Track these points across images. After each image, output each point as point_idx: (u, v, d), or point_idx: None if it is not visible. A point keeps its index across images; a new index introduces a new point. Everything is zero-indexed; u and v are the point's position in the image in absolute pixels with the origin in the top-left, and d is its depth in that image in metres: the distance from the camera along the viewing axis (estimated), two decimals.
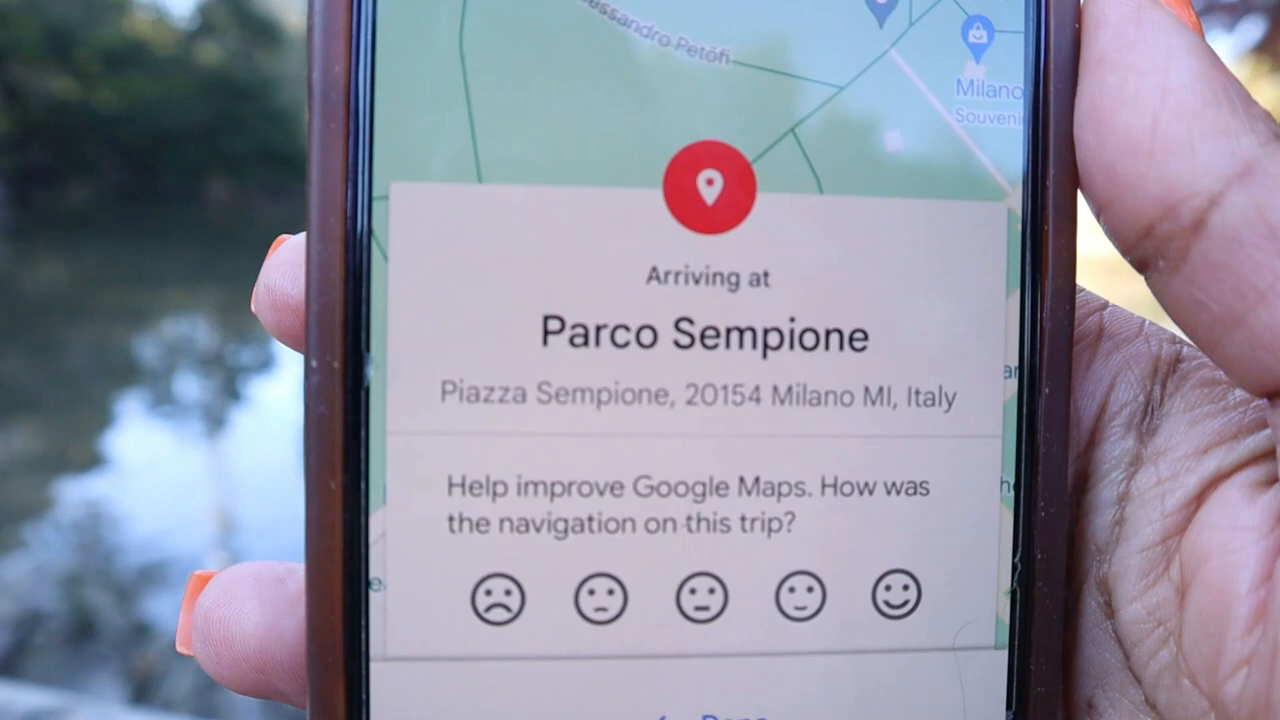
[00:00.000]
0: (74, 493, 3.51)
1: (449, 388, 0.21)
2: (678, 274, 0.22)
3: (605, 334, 0.22)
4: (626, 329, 0.22)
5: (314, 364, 0.21)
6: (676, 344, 0.22)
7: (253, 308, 0.25)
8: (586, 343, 0.22)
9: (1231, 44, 9.03)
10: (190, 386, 5.30)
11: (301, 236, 0.23)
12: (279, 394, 5.12)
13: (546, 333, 0.22)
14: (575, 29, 0.21)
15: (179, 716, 2.07)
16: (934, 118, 0.22)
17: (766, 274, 0.22)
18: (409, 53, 0.21)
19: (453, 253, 0.21)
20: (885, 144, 0.22)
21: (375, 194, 0.21)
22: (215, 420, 4.55)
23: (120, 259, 10.57)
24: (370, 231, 0.21)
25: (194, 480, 3.70)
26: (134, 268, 9.92)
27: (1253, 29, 8.70)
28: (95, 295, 8.15)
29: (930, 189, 0.23)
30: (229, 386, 5.30)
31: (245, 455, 4.03)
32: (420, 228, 0.21)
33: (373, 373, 0.21)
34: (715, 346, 0.22)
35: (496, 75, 0.21)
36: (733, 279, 0.22)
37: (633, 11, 0.21)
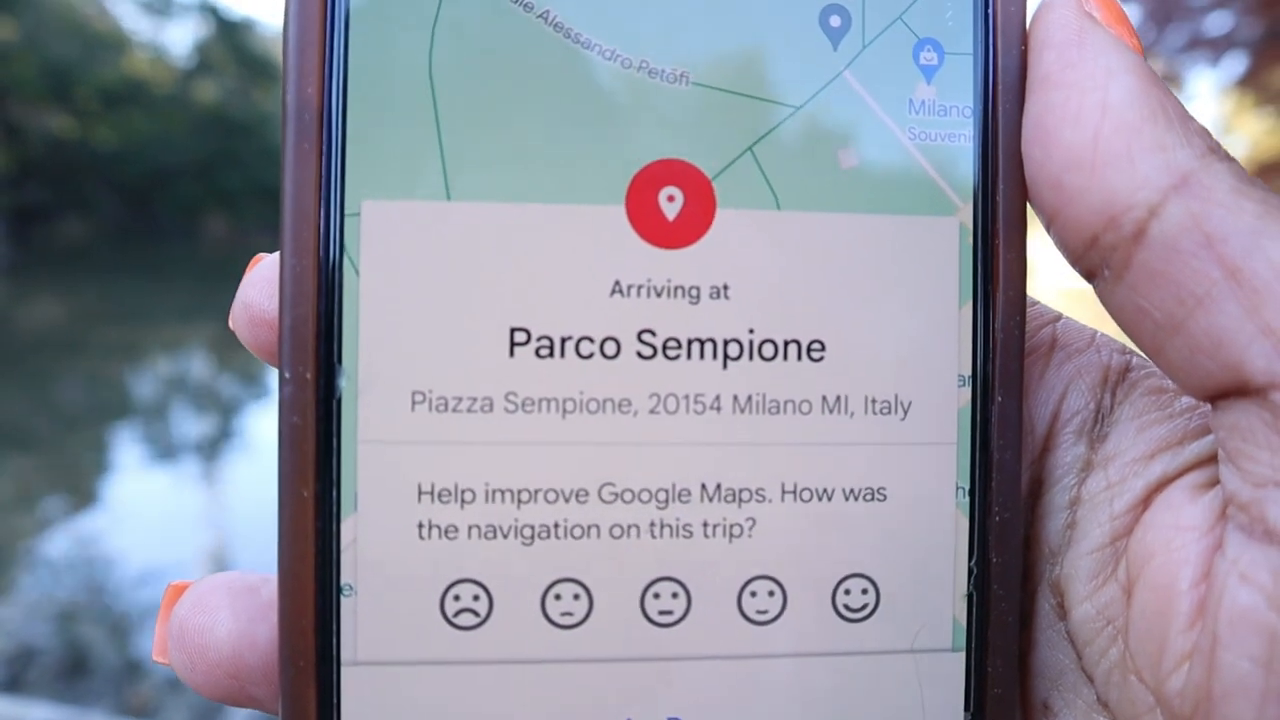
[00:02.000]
0: (68, 529, 3.49)
1: (418, 398, 0.22)
2: (640, 287, 0.23)
3: (570, 345, 0.23)
4: (590, 340, 0.23)
5: (287, 375, 0.22)
6: (639, 355, 0.23)
7: (230, 324, 0.26)
8: (552, 354, 0.22)
9: (1216, 78, 9.13)
10: (185, 423, 5.29)
11: (277, 255, 0.23)
12: (271, 430, 5.06)
13: (513, 344, 0.22)
14: (540, 52, 0.22)
15: None
16: (887, 136, 0.23)
17: (726, 287, 0.23)
18: (380, 75, 0.22)
19: (422, 268, 0.22)
20: (840, 161, 0.23)
21: (347, 211, 0.22)
22: (210, 456, 4.54)
23: (116, 295, 10.58)
24: (342, 247, 0.22)
25: (188, 516, 3.68)
26: (130, 304, 9.93)
27: (1236, 63, 8.80)
28: (91, 331, 8.15)
29: (884, 204, 0.23)
30: (224, 422, 5.28)
31: (240, 491, 4.01)
32: (391, 243, 0.22)
33: (344, 383, 0.22)
34: (677, 357, 0.23)
35: (464, 97, 0.22)
36: (693, 292, 0.23)
37: (596, 36, 0.22)
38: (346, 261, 0.22)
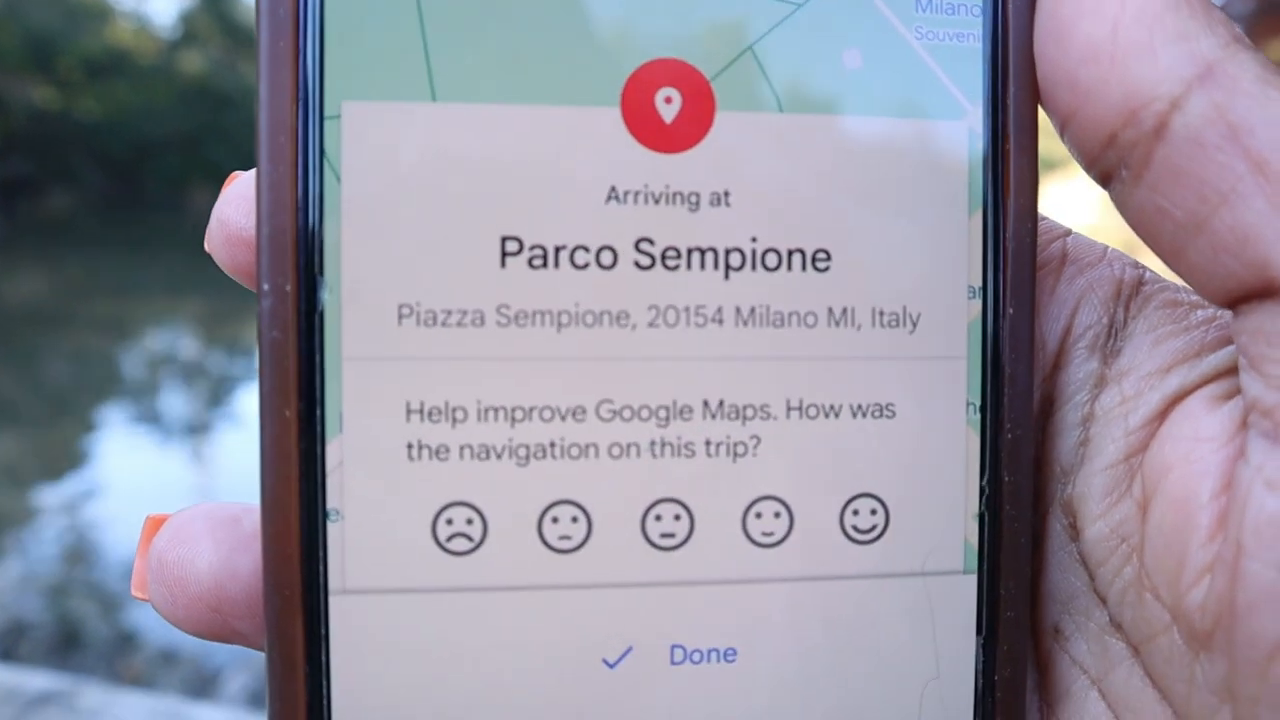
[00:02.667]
0: (57, 503, 3.48)
1: (405, 311, 0.21)
2: (637, 194, 0.22)
3: (564, 255, 0.21)
4: (586, 250, 0.22)
5: (266, 288, 0.21)
6: (637, 265, 0.22)
7: (206, 246, 0.25)
8: (545, 264, 0.21)
9: None
10: (173, 397, 5.27)
11: (255, 170, 0.22)
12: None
13: (504, 254, 0.21)
14: None
15: (174, 696, 2.06)
16: (893, 36, 0.22)
17: (727, 193, 0.22)
18: None
19: (407, 173, 0.21)
20: (844, 62, 0.22)
21: (326, 114, 0.21)
22: (199, 430, 4.53)
23: (102, 269, 10.50)
24: (322, 152, 0.21)
25: (178, 491, 3.67)
26: (116, 278, 9.87)
27: None
28: (77, 305, 8.10)
29: (891, 108, 0.22)
30: (212, 396, 5.27)
31: (229, 465, 4.00)
32: (373, 147, 0.21)
33: (327, 296, 0.21)
34: (676, 267, 0.22)
35: None
36: (693, 198, 0.22)
37: None
38: (327, 167, 0.21)
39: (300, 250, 0.21)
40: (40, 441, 4.26)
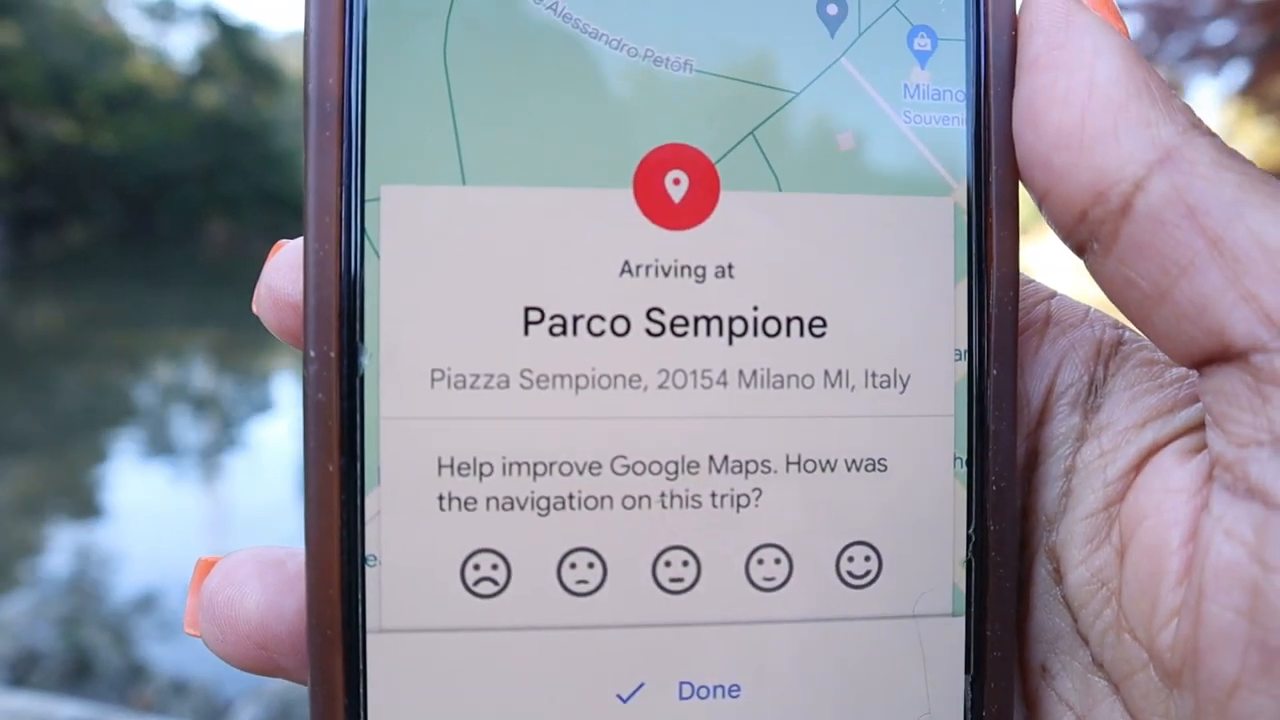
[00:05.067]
0: (70, 534, 3.49)
1: (437, 375, 0.23)
2: (648, 267, 0.24)
3: (582, 323, 0.23)
4: (602, 319, 0.23)
5: (312, 354, 0.23)
6: (648, 332, 0.24)
7: (254, 308, 0.27)
8: (565, 332, 0.23)
9: (1218, 88, 9.13)
10: (186, 428, 5.30)
11: (299, 240, 0.24)
12: (274, 435, 5.11)
13: (527, 323, 0.23)
14: (551, 42, 0.23)
15: None
16: (883, 120, 0.24)
17: (731, 266, 0.24)
18: (397, 65, 0.23)
19: (440, 249, 0.23)
20: (839, 144, 0.24)
21: (367, 196, 0.23)
22: (211, 461, 4.54)
23: (117, 300, 10.59)
24: (363, 231, 0.23)
25: (189, 520, 3.68)
26: (131, 309, 9.94)
27: (1238, 73, 8.80)
28: (92, 336, 8.16)
29: (882, 185, 0.24)
30: (224, 428, 5.29)
31: (241, 495, 4.01)
32: (409, 226, 0.23)
33: (366, 361, 0.23)
34: (684, 334, 0.24)
35: (478, 85, 0.23)
36: (699, 271, 0.24)
37: (604, 25, 0.23)
38: (367, 244, 0.23)
39: (343, 321, 0.23)
40: (53, 471, 4.28)
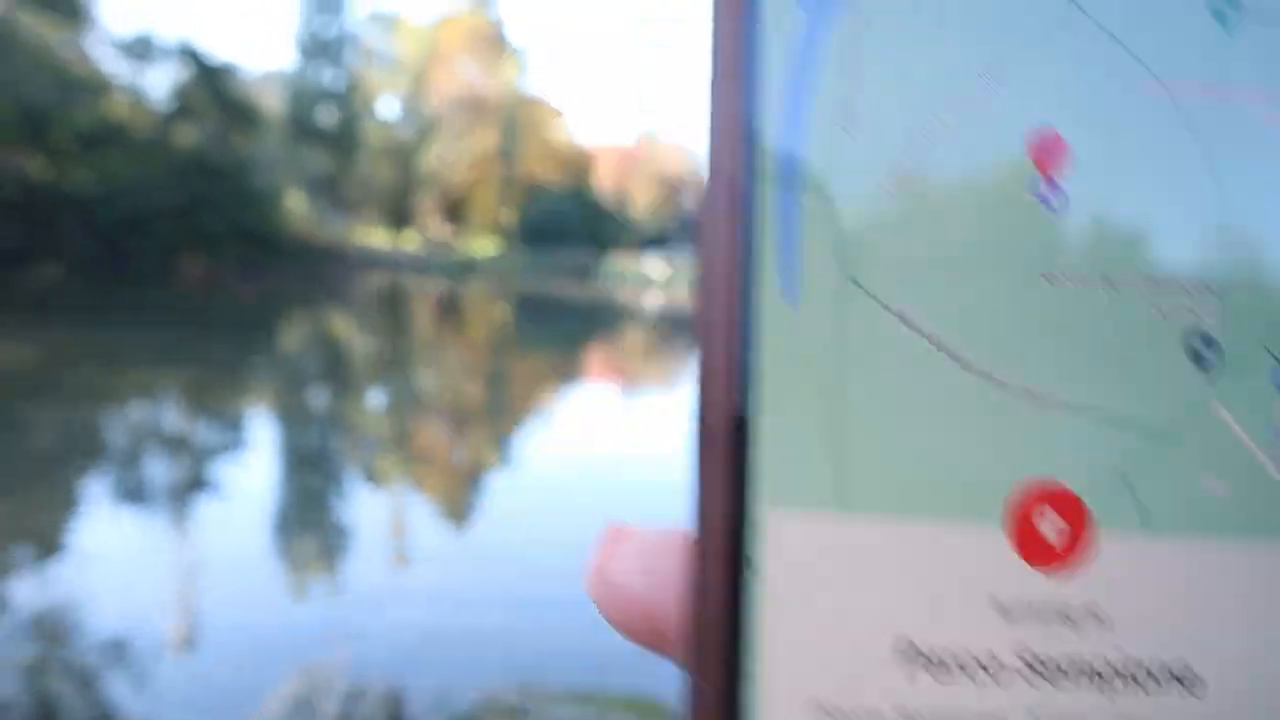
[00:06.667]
0: (35, 576, 3.44)
1: (814, 707, 0.23)
2: (1020, 608, 0.23)
3: (953, 662, 0.23)
4: (972, 658, 0.23)
5: (696, 682, 0.23)
6: (1018, 674, 0.23)
7: (590, 593, 0.27)
8: (936, 669, 0.23)
9: None
10: (156, 468, 5.24)
11: (641, 534, 0.26)
12: (244, 478, 5.07)
13: (901, 659, 0.23)
14: (927, 371, 0.24)
15: None
16: (1254, 463, 0.24)
17: (1106, 613, 0.23)
18: (784, 396, 0.24)
19: (818, 577, 0.23)
20: (1209, 488, 0.24)
21: (753, 519, 0.23)
22: (180, 504, 4.49)
23: (89, 339, 10.47)
24: (747, 555, 0.23)
25: (157, 565, 3.63)
26: (103, 348, 9.84)
27: None
28: (62, 375, 8.06)
29: (1256, 530, 0.24)
30: (195, 469, 5.23)
31: (210, 539, 3.97)
32: (790, 552, 0.23)
33: (747, 689, 0.23)
34: (1055, 679, 0.23)
35: (864, 411, 0.24)
36: (1073, 616, 0.23)
37: (972, 355, 0.24)
38: (750, 569, 0.23)
39: (728, 648, 0.23)
40: (20, 511, 4.22)
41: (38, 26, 22.35)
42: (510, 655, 3.07)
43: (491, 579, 3.75)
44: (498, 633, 3.22)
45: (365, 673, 2.85)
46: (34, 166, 20.96)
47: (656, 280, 47.44)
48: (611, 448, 6.66)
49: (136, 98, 24.72)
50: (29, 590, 3.35)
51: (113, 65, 25.13)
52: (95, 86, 23.27)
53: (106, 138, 21.73)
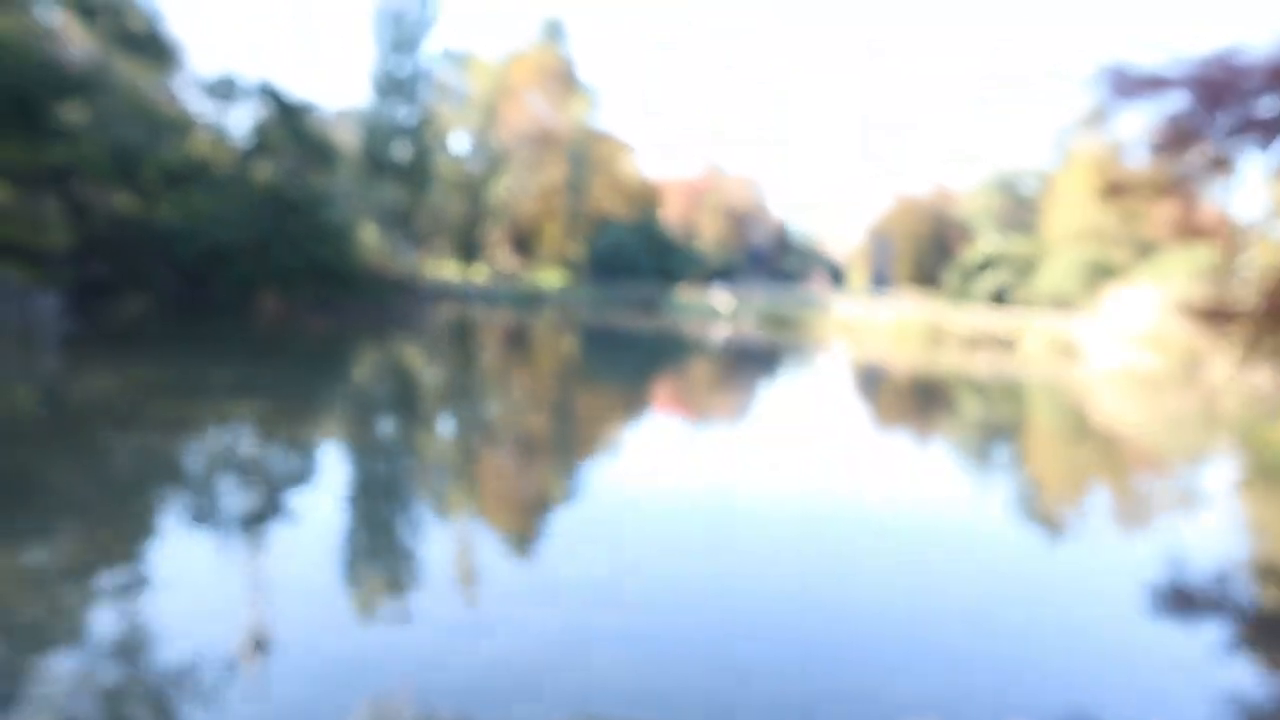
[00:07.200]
0: (115, 601, 3.53)
1: None
2: None
3: None
4: None
5: None
6: None
7: None
8: None
9: (1266, 162, 9.03)
10: (232, 496, 5.35)
11: None
12: (319, 505, 5.16)
13: None
14: None
15: None
16: None
17: None
18: None
19: None
20: None
21: None
22: (254, 529, 4.58)
23: (171, 370, 10.81)
24: None
25: (235, 589, 3.71)
26: (183, 378, 10.14)
27: None
28: (145, 405, 8.32)
29: None
30: (269, 496, 5.34)
31: (282, 564, 4.03)
32: None
33: None
34: None
35: None
36: None
37: None
38: None
39: None
40: (102, 537, 4.34)
41: (129, 69, 23.35)
42: (574, 687, 3.06)
43: (558, 609, 3.75)
44: (563, 663, 3.21)
45: (433, 702, 2.86)
46: (122, 203, 21.82)
47: (722, 312, 47.53)
48: (679, 479, 6.64)
49: (219, 135, 25.62)
50: (108, 614, 3.43)
51: (197, 104, 26.13)
52: (181, 126, 24.20)
53: (189, 175, 22.57)
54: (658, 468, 7.02)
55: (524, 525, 5.18)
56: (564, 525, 5.21)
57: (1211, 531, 6.20)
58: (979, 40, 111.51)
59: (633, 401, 11.77)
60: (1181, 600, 4.66)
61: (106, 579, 3.80)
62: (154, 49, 23.85)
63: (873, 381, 17.68)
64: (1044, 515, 6.38)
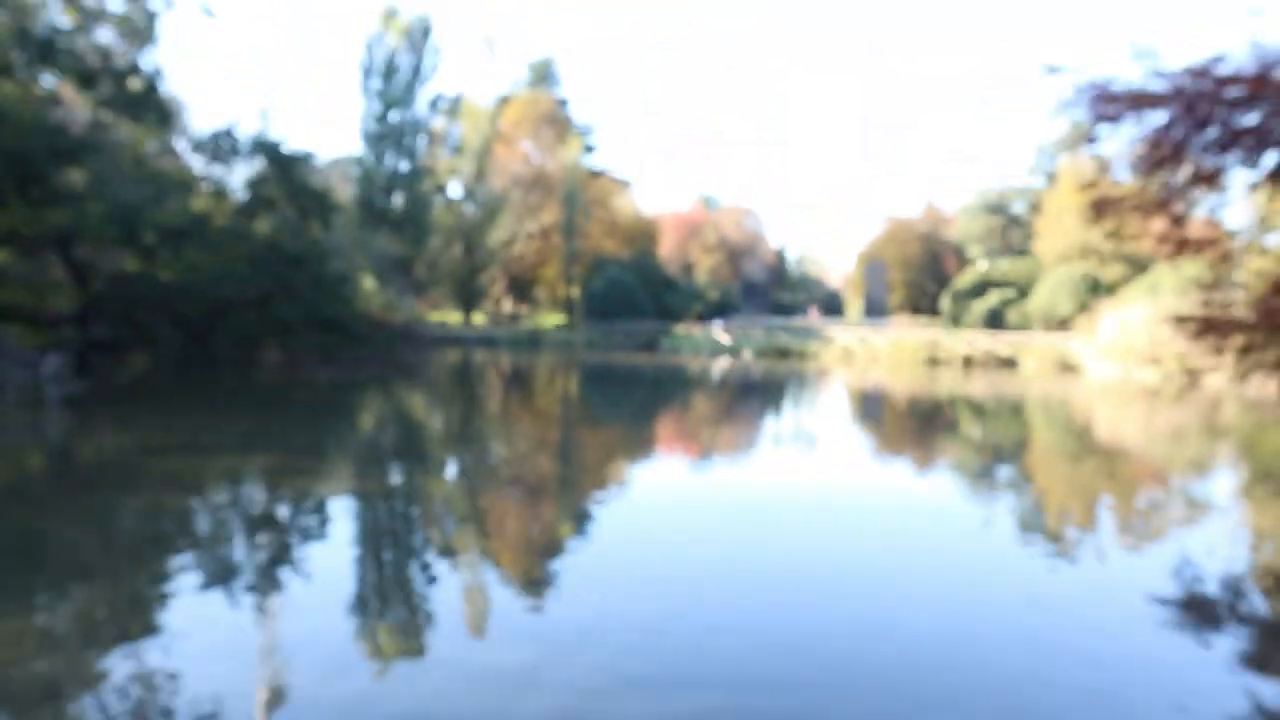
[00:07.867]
0: (127, 658, 3.55)
1: None
2: None
3: None
4: None
5: None
6: None
7: None
8: None
9: (1250, 175, 9.09)
10: (243, 551, 5.39)
11: None
12: (328, 558, 5.25)
13: None
14: None
15: None
16: None
17: None
18: None
19: None
20: None
21: None
22: (265, 584, 4.61)
23: (176, 427, 10.85)
24: None
25: (247, 644, 3.73)
26: (189, 435, 10.18)
27: (1271, 159, 8.74)
28: (151, 463, 8.37)
29: None
30: (277, 550, 5.37)
31: (295, 619, 4.06)
32: None
33: None
34: None
35: None
36: None
37: None
38: None
39: None
40: (112, 596, 4.37)
41: (129, 131, 23.59)
42: None
43: (567, 658, 3.80)
44: (575, 715, 3.23)
45: None
46: (123, 262, 21.93)
47: (720, 346, 47.47)
48: (684, 518, 6.69)
49: (218, 190, 25.77)
50: (121, 670, 3.46)
51: (195, 161, 26.35)
52: (182, 183, 24.35)
53: (190, 231, 22.66)
54: (663, 505, 7.07)
55: (532, 569, 5.20)
56: (571, 568, 5.24)
57: (1223, 539, 6.22)
58: (978, 40, 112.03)
59: (632, 440, 11.80)
60: (1196, 608, 4.68)
61: (119, 638, 3.83)
62: (154, 109, 24.09)
63: (875, 407, 17.68)
64: (1063, 529, 6.40)
